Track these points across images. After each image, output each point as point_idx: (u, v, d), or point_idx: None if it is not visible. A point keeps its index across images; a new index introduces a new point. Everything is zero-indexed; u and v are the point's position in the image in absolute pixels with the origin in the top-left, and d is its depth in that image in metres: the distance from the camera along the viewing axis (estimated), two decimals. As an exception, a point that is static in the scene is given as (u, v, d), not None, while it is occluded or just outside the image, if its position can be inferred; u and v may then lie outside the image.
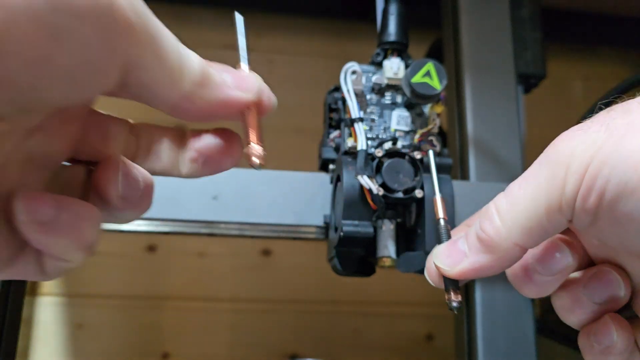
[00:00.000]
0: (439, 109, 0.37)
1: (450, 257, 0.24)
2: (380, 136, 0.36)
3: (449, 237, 0.26)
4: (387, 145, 0.35)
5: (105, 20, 0.15)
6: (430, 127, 0.37)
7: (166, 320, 0.76)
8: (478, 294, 0.44)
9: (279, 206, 0.39)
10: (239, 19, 0.24)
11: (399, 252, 0.35)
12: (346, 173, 0.33)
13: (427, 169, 0.34)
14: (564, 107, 0.88)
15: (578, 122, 0.23)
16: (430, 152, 0.32)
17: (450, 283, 0.24)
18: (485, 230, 0.22)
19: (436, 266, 0.24)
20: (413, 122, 0.37)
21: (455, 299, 0.24)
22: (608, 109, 0.22)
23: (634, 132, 0.19)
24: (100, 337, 0.74)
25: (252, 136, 0.21)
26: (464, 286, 0.45)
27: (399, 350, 0.80)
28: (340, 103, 0.38)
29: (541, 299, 0.65)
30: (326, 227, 0.39)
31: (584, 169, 0.20)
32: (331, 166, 0.39)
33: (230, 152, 0.21)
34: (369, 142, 0.36)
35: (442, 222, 0.27)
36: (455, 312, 0.24)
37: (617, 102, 0.22)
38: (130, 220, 0.21)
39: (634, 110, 0.20)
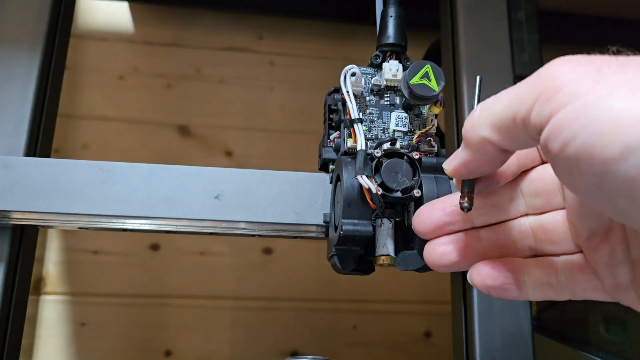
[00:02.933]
0: (437, 110, 0.37)
1: (452, 157, 0.26)
2: (379, 137, 0.37)
3: None
4: (386, 145, 0.36)
5: None
6: (428, 127, 0.37)
7: (169, 318, 0.77)
8: (475, 291, 0.44)
9: (280, 205, 0.40)
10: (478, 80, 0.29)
11: (397, 250, 0.35)
12: (346, 173, 0.34)
13: (426, 169, 0.35)
14: (561, 108, 0.89)
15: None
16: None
17: (465, 186, 0.26)
18: (465, 124, 0.24)
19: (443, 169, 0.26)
20: (411, 123, 0.37)
21: (463, 201, 0.26)
22: (616, 56, 0.21)
23: (622, 92, 0.18)
24: (103, 335, 0.75)
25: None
26: (462, 284, 0.46)
27: (397, 347, 0.81)
28: (340, 104, 0.38)
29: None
30: (326, 226, 0.40)
31: (559, 107, 0.19)
32: (331, 166, 0.40)
33: None
34: (368, 143, 0.36)
35: None
36: (465, 212, 0.26)
37: (628, 54, 0.22)
38: None
39: (631, 67, 0.19)
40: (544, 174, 0.27)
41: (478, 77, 0.28)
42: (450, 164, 0.26)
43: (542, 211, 0.27)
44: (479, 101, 0.27)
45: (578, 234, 0.25)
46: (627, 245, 0.24)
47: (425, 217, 0.28)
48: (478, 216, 0.28)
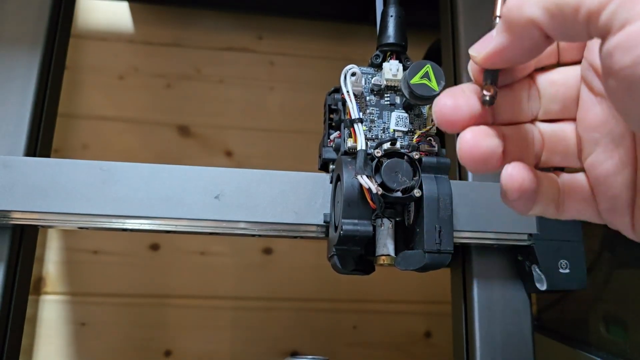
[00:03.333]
0: (437, 110, 0.37)
1: (481, 43, 0.23)
2: (379, 137, 0.37)
3: None
4: (386, 145, 0.36)
5: None
6: (428, 127, 0.37)
7: (169, 318, 0.77)
8: (476, 292, 0.44)
9: (280, 205, 0.40)
10: None
11: (397, 250, 0.35)
12: (346, 173, 0.34)
13: (427, 169, 0.35)
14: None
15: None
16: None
17: (488, 76, 0.23)
18: (508, 4, 0.21)
19: (471, 56, 0.23)
20: (411, 122, 0.37)
21: (487, 92, 0.23)
22: None
23: None
24: (103, 335, 0.75)
25: None
26: (462, 284, 0.46)
27: (397, 347, 0.81)
28: (340, 104, 0.38)
29: (538, 298, 0.66)
30: (326, 226, 0.40)
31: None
32: (331, 166, 0.40)
33: None
34: (369, 143, 0.36)
35: (497, 20, 0.24)
36: (487, 106, 0.23)
37: None
38: None
39: None
40: (569, 78, 0.25)
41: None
42: (480, 51, 0.23)
43: (555, 118, 0.25)
44: None
45: (583, 149, 0.24)
46: (636, 169, 0.23)
47: (450, 110, 0.24)
48: (499, 113, 0.25)
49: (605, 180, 0.23)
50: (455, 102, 0.24)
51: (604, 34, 0.18)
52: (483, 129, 0.23)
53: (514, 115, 0.25)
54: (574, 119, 0.25)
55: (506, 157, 0.24)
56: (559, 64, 0.25)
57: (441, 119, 0.24)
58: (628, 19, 0.17)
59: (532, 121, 0.25)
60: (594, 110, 0.24)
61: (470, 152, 0.23)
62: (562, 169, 0.25)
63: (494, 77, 0.23)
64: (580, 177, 0.25)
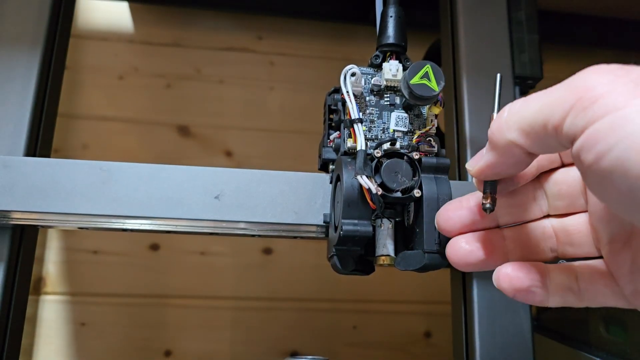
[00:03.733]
0: (437, 110, 0.37)
1: (475, 158, 0.26)
2: (379, 137, 0.37)
3: None
4: (386, 145, 0.36)
5: None
6: (428, 128, 0.37)
7: (168, 318, 0.77)
8: (475, 291, 0.44)
9: (280, 205, 0.40)
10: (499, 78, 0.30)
11: (397, 250, 0.35)
12: (346, 173, 0.34)
13: (426, 169, 0.35)
14: (561, 108, 0.89)
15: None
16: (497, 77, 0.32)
17: (488, 187, 0.26)
18: (491, 127, 0.24)
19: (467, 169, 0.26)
20: (411, 123, 0.37)
21: (486, 202, 0.26)
22: None
23: None
24: (103, 335, 0.75)
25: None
26: (462, 284, 0.46)
27: (397, 347, 0.81)
28: (340, 104, 0.38)
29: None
30: (326, 226, 0.40)
31: (595, 118, 0.19)
32: (331, 166, 0.40)
33: None
34: (368, 143, 0.36)
35: None
36: (487, 213, 0.26)
37: None
38: None
39: None
40: (568, 177, 0.27)
41: (498, 75, 0.29)
42: (474, 165, 0.26)
43: (564, 213, 0.27)
44: (499, 100, 0.28)
45: (599, 238, 0.25)
46: None
47: (451, 215, 0.28)
48: (502, 215, 0.28)
49: (625, 265, 0.24)
50: (457, 206, 0.28)
51: (571, 141, 0.20)
52: (466, 239, 0.28)
53: (519, 216, 0.28)
54: (585, 211, 0.27)
55: (510, 255, 0.27)
56: (563, 165, 0.28)
57: (442, 219, 0.28)
58: (585, 125, 0.19)
59: (544, 217, 0.28)
60: (601, 203, 0.25)
61: (452, 254, 0.28)
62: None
63: (492, 187, 0.26)
64: (599, 264, 0.26)
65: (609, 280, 0.25)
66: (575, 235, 0.27)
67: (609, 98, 0.19)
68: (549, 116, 0.21)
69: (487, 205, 0.26)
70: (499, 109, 0.26)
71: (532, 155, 0.23)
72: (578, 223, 0.27)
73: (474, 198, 0.28)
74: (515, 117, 0.23)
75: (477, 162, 0.25)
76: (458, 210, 0.28)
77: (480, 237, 0.27)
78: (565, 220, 0.27)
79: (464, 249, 0.27)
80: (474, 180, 0.27)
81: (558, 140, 0.21)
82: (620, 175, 0.19)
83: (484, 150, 0.25)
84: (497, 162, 0.24)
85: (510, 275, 0.25)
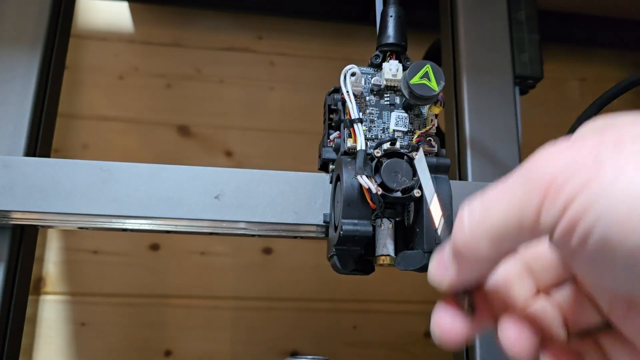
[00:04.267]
0: (437, 110, 0.37)
1: (438, 270, 0.23)
2: (379, 137, 0.37)
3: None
4: (386, 145, 0.36)
5: None
6: (428, 127, 0.37)
7: (169, 318, 0.77)
8: (475, 292, 0.44)
9: (280, 205, 0.40)
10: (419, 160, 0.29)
11: (397, 250, 0.35)
12: (346, 173, 0.34)
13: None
14: (560, 108, 0.89)
15: (572, 126, 0.23)
16: (420, 152, 0.31)
17: (460, 291, 0.23)
18: (456, 242, 0.21)
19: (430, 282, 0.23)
20: (411, 123, 0.37)
21: (465, 309, 0.23)
22: (600, 125, 0.20)
23: (627, 172, 0.17)
24: (103, 335, 0.75)
25: None
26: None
27: (397, 347, 0.81)
28: (340, 104, 0.38)
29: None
30: (326, 226, 0.40)
31: (566, 203, 0.18)
32: (331, 166, 0.40)
33: None
34: (368, 143, 0.36)
35: (440, 228, 0.25)
36: (471, 315, 0.23)
37: (607, 114, 0.20)
38: None
39: (627, 142, 0.18)
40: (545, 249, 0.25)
41: (420, 152, 0.28)
42: (442, 281, 0.23)
43: (556, 283, 0.25)
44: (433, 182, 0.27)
45: (600, 306, 0.24)
46: None
47: (448, 330, 0.24)
48: (494, 307, 0.24)
49: (636, 327, 0.22)
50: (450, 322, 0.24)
51: (550, 233, 0.19)
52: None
53: (508, 302, 0.25)
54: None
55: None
56: None
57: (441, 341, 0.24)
58: (560, 213, 0.18)
59: (541, 294, 0.25)
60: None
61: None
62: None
63: (465, 291, 0.23)
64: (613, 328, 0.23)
65: (633, 346, 0.22)
66: (582, 306, 0.24)
67: (573, 177, 0.18)
68: (521, 216, 0.19)
69: (469, 312, 0.23)
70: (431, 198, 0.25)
71: (505, 255, 0.21)
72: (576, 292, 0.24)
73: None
74: (481, 228, 0.20)
75: (443, 276, 0.23)
76: (453, 323, 0.24)
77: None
78: (565, 291, 0.25)
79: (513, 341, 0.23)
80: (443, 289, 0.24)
81: (534, 236, 0.19)
82: (609, 254, 0.17)
83: (444, 257, 0.22)
84: (468, 276, 0.22)
85: None
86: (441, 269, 0.23)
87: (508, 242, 0.20)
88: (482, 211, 0.21)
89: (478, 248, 0.20)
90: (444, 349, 0.25)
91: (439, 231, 0.25)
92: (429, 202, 0.26)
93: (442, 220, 0.25)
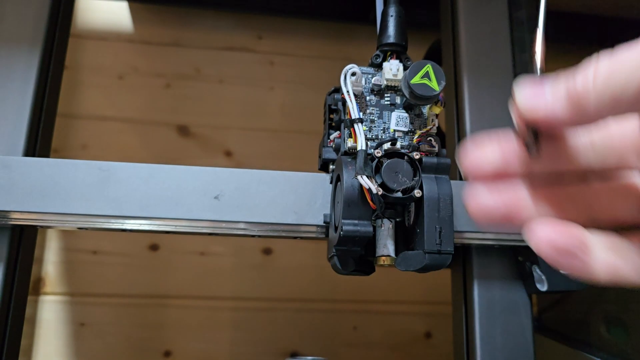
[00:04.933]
0: (438, 110, 0.37)
1: (530, 93, 0.21)
2: (379, 137, 0.37)
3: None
4: (387, 145, 0.35)
5: None
6: (429, 127, 0.37)
7: (168, 319, 0.77)
8: (476, 292, 0.44)
9: (280, 206, 0.40)
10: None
11: (398, 251, 0.35)
12: (346, 173, 0.34)
13: (427, 169, 0.35)
14: (561, 108, 0.89)
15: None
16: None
17: (530, 128, 0.22)
18: (576, 85, 0.20)
19: (513, 96, 0.22)
20: (412, 122, 0.37)
21: (530, 141, 0.22)
22: None
23: None
24: (102, 336, 0.75)
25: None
26: (463, 284, 0.46)
27: (397, 348, 0.81)
28: (340, 104, 0.38)
29: (539, 298, 0.66)
30: (326, 227, 0.40)
31: None
32: (331, 166, 0.40)
33: None
34: (369, 143, 0.36)
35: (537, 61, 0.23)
36: (532, 156, 0.22)
37: None
38: None
39: None
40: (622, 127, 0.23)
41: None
42: (528, 103, 0.21)
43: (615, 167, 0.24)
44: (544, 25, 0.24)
45: None
46: None
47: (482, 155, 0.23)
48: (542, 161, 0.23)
49: None
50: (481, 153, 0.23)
51: None
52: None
53: (561, 163, 0.23)
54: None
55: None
56: None
57: (469, 168, 0.24)
58: None
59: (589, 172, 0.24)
60: None
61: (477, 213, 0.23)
62: None
63: (534, 129, 0.22)
64: None
65: None
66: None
67: None
68: None
69: (532, 149, 0.22)
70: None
71: (616, 113, 0.20)
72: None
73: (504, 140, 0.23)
74: (603, 82, 0.19)
75: (536, 103, 0.21)
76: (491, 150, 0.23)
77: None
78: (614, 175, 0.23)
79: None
80: (514, 113, 0.22)
81: None
82: None
83: (546, 89, 0.21)
84: (570, 120, 0.20)
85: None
86: (533, 96, 0.21)
87: (628, 104, 0.19)
88: (612, 64, 0.19)
89: (598, 101, 0.19)
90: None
91: (538, 63, 0.23)
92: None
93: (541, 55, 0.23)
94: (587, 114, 0.20)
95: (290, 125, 0.86)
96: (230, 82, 0.87)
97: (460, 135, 0.49)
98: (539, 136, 0.22)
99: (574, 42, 0.91)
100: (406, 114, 0.37)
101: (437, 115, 0.38)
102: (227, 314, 0.78)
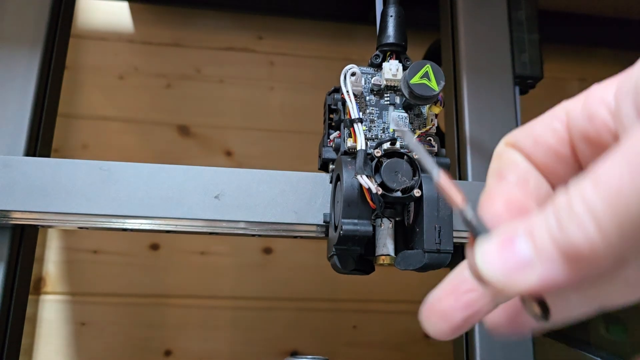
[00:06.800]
0: (437, 109, 0.37)
1: (504, 263, 0.15)
2: (379, 136, 0.37)
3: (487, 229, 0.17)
4: (386, 145, 0.36)
5: None
6: (428, 127, 0.37)
7: (168, 318, 0.77)
8: (475, 292, 0.44)
9: (280, 205, 0.40)
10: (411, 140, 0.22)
11: (397, 250, 0.35)
12: (346, 173, 0.34)
13: (426, 169, 0.35)
14: (561, 108, 0.89)
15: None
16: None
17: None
18: (573, 240, 0.14)
19: (477, 273, 0.16)
20: (411, 122, 0.37)
21: (537, 310, 0.16)
22: None
23: None
24: (103, 335, 0.75)
25: None
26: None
27: (397, 347, 0.81)
28: (340, 104, 0.38)
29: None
30: (326, 226, 0.40)
31: None
32: (331, 166, 0.40)
33: None
34: (368, 143, 0.36)
35: (468, 212, 0.17)
36: (547, 320, 0.16)
37: None
38: None
39: None
40: None
41: (406, 130, 0.22)
42: (512, 279, 0.15)
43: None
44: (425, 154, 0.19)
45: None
46: None
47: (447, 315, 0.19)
48: None
49: None
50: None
51: None
52: None
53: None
54: None
55: None
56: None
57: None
58: None
59: None
60: None
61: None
62: None
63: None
64: None
65: None
66: None
67: None
68: None
69: (540, 315, 0.16)
70: (437, 170, 0.18)
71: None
72: None
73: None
74: (608, 221, 0.14)
75: (518, 274, 0.15)
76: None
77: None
78: None
79: None
80: (472, 273, 0.17)
81: None
82: None
83: (520, 248, 0.15)
84: (575, 281, 0.15)
85: None
86: (510, 262, 0.15)
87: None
88: (604, 195, 0.14)
89: (610, 248, 0.14)
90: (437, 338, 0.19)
91: (465, 211, 0.17)
92: (433, 175, 0.18)
93: (464, 201, 0.18)
94: (602, 268, 0.15)
95: (290, 125, 0.86)
96: (230, 82, 0.87)
97: (460, 135, 0.49)
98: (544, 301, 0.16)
99: (572, 43, 0.92)
100: (405, 114, 0.37)
101: (436, 115, 0.38)
102: (228, 313, 0.78)
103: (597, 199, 0.14)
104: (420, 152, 0.19)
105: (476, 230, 0.17)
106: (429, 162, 0.18)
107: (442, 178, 0.18)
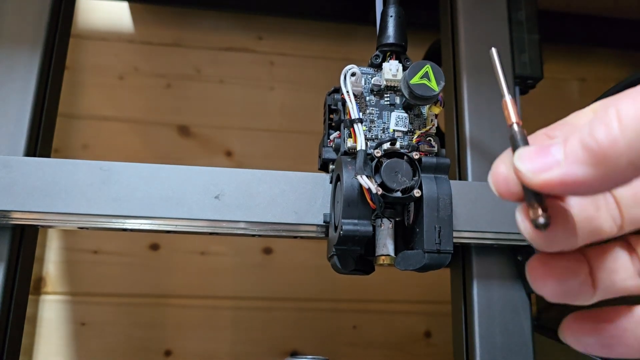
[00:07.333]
0: (437, 110, 0.37)
1: (535, 161, 0.18)
2: (379, 137, 0.37)
3: (526, 143, 0.20)
4: (386, 145, 0.36)
5: None
6: (428, 127, 0.37)
7: (169, 318, 0.77)
8: (475, 291, 0.44)
9: (280, 205, 0.40)
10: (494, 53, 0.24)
11: (397, 250, 0.35)
12: (346, 173, 0.34)
13: (426, 169, 0.35)
14: (560, 108, 0.89)
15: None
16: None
17: (533, 195, 0.19)
18: (598, 139, 0.17)
19: (515, 170, 0.18)
20: (411, 123, 0.37)
21: (537, 216, 0.19)
22: None
23: None
24: (103, 335, 0.75)
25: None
26: (462, 284, 0.46)
27: (397, 347, 0.81)
28: (340, 104, 0.38)
29: (538, 298, 0.66)
30: (326, 226, 0.40)
31: None
32: (331, 166, 0.40)
33: None
34: (368, 143, 0.36)
35: (515, 127, 0.20)
36: (543, 230, 0.19)
37: None
38: None
39: None
40: None
41: (493, 51, 0.23)
42: (538, 174, 0.18)
43: None
44: (506, 80, 0.22)
45: None
46: None
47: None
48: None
49: None
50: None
51: None
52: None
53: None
54: None
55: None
56: None
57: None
58: None
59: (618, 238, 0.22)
60: None
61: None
62: None
63: (538, 197, 0.19)
64: None
65: None
66: None
67: None
68: None
69: (541, 221, 0.19)
70: (509, 90, 0.21)
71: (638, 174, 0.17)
72: None
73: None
74: (634, 127, 0.16)
75: (545, 170, 0.18)
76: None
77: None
78: None
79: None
80: (493, 180, 0.20)
81: None
82: None
83: (553, 151, 0.18)
84: (595, 181, 0.17)
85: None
86: (541, 160, 0.18)
87: None
88: (636, 110, 0.16)
89: (629, 151, 0.16)
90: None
91: (514, 128, 0.20)
92: (504, 95, 0.22)
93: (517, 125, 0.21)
94: (617, 171, 0.17)
95: (290, 125, 0.86)
96: (230, 82, 0.87)
97: (460, 135, 0.49)
98: (545, 205, 0.19)
99: (572, 43, 0.92)
100: (405, 114, 0.37)
101: (436, 116, 0.38)
102: (228, 313, 0.78)
103: (632, 109, 0.16)
104: (499, 73, 0.23)
105: (518, 145, 0.20)
106: (504, 82, 0.22)
107: (509, 99, 0.22)
